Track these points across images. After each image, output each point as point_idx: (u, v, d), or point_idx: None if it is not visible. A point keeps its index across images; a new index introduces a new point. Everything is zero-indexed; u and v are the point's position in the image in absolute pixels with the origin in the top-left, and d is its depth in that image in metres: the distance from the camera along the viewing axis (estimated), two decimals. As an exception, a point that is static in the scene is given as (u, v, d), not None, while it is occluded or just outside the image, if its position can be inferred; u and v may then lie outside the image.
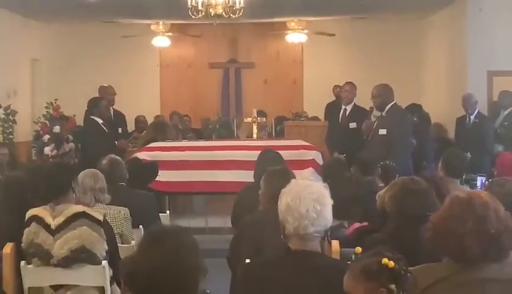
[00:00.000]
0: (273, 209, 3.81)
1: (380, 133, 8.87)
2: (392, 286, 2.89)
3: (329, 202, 3.57)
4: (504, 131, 10.81)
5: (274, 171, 5.27)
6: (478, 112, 10.84)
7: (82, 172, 5.94)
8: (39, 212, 4.95)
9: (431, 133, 11.37)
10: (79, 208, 5.00)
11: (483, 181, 7.50)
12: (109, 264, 4.97)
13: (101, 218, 4.98)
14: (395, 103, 8.99)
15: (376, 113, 12.48)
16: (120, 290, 5.38)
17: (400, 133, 8.88)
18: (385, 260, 2.90)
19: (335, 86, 13.39)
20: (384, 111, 8.97)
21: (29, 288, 4.97)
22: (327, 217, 3.55)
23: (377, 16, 14.09)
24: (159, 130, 11.16)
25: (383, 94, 9.02)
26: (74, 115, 12.79)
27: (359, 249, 3.05)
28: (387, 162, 7.37)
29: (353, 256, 3.02)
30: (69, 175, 5.25)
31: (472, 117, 10.81)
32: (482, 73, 11.52)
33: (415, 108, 11.13)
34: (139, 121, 13.60)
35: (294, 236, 3.52)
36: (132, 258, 2.77)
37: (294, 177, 4.84)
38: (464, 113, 10.94)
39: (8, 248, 4.98)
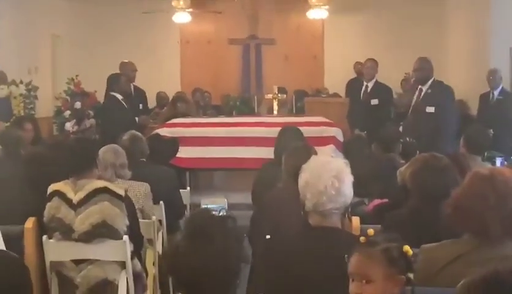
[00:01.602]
0: (293, 185, 3.80)
1: (427, 110, 8.55)
2: (411, 275, 2.85)
3: (348, 179, 3.55)
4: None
5: (296, 148, 5.26)
6: (502, 88, 10.74)
7: (103, 148, 5.96)
8: (61, 187, 4.97)
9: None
10: (101, 183, 5.02)
11: (502, 162, 7.45)
12: (130, 239, 4.99)
13: (122, 193, 5.00)
14: (435, 78, 8.75)
15: (398, 89, 12.46)
16: (141, 265, 5.43)
17: (450, 111, 8.59)
18: (407, 248, 2.85)
19: (356, 62, 13.32)
20: (427, 87, 8.67)
21: (50, 262, 5.01)
22: (347, 194, 3.53)
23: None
24: (180, 106, 11.18)
25: (426, 67, 8.75)
26: (95, 91, 12.82)
27: (371, 231, 2.99)
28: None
29: (362, 238, 2.95)
30: (92, 150, 5.27)
31: (496, 94, 10.71)
32: (505, 50, 11.41)
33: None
34: (161, 97, 13.62)
35: (313, 212, 3.52)
36: (177, 248, 2.73)
37: (316, 154, 4.84)
38: (487, 90, 10.85)
39: (30, 222, 5.01)
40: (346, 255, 2.91)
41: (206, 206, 3.09)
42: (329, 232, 3.48)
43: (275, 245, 3.68)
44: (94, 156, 5.26)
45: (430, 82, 8.66)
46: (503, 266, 2.17)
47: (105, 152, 5.90)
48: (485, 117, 10.43)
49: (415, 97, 8.88)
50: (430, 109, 8.51)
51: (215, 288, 2.68)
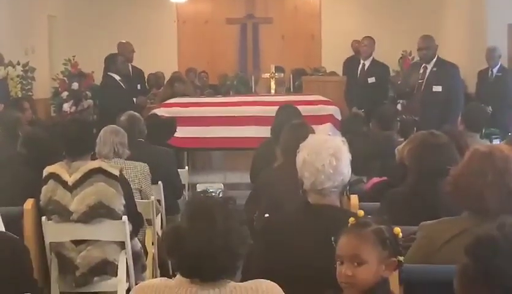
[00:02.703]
0: (290, 163, 3.80)
1: (434, 90, 8.44)
2: (401, 258, 2.83)
3: (346, 157, 3.55)
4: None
5: (293, 126, 5.26)
6: (501, 65, 10.72)
7: (106, 127, 5.99)
8: (56, 169, 4.97)
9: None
10: (96, 164, 5.02)
11: (500, 141, 7.44)
12: (128, 218, 4.99)
13: (117, 173, 5.00)
14: (438, 55, 8.67)
15: (395, 67, 12.45)
16: (140, 245, 5.44)
17: (457, 90, 8.48)
18: (397, 230, 2.82)
19: (354, 40, 13.27)
20: (431, 65, 8.56)
21: (50, 243, 5.01)
22: (345, 172, 3.53)
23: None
24: (177, 86, 11.16)
25: (432, 45, 8.63)
26: (92, 72, 12.80)
27: (361, 212, 2.95)
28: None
29: (351, 218, 2.90)
30: (87, 133, 5.26)
31: (495, 71, 10.68)
32: (503, 27, 11.37)
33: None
34: (157, 77, 13.57)
35: (311, 191, 3.52)
36: (178, 229, 2.71)
37: (313, 132, 4.84)
38: (486, 66, 10.83)
39: (29, 204, 5.01)
40: (333, 238, 2.88)
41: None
42: (328, 210, 3.48)
43: (275, 223, 3.69)
44: (90, 138, 5.26)
45: (434, 60, 8.57)
46: (498, 231, 2.18)
47: (106, 130, 5.95)
48: (483, 95, 10.40)
49: (420, 75, 8.74)
50: (437, 88, 8.42)
51: (216, 269, 2.67)
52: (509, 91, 10.42)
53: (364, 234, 2.79)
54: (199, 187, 7.08)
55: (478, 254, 2.14)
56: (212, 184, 5.60)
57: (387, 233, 2.80)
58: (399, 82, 10.80)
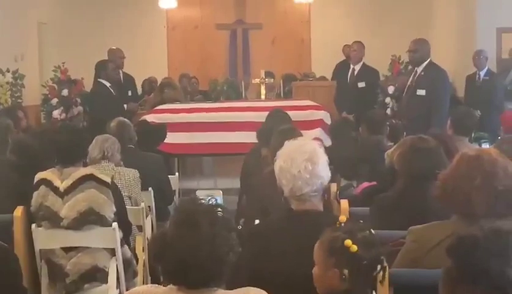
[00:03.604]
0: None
1: (417, 93, 8.38)
2: (346, 271, 2.80)
3: (322, 159, 3.55)
4: (514, 89, 10.75)
5: (282, 131, 5.27)
6: (488, 69, 10.76)
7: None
8: (47, 175, 4.97)
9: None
10: (87, 170, 5.02)
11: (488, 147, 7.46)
12: (118, 226, 4.99)
13: (109, 180, 5.00)
14: (431, 60, 8.56)
15: (385, 72, 12.47)
16: (131, 252, 5.44)
17: (441, 94, 8.36)
18: (348, 242, 2.79)
19: (345, 45, 13.28)
20: (421, 69, 8.48)
21: (40, 250, 5.01)
22: (323, 175, 3.53)
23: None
24: (167, 92, 11.15)
25: (421, 49, 8.53)
26: (82, 78, 12.77)
27: (343, 218, 2.97)
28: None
29: (337, 223, 2.93)
30: (79, 140, 5.25)
31: (482, 75, 10.72)
32: (492, 30, 11.40)
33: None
34: (150, 81, 13.54)
35: (291, 198, 3.54)
36: (164, 235, 2.71)
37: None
38: (474, 71, 10.87)
39: (18, 211, 5.00)
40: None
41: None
42: (310, 215, 3.49)
43: (260, 230, 3.69)
44: (82, 146, 5.27)
45: (425, 64, 8.49)
46: (479, 231, 2.19)
47: (98, 137, 5.97)
48: (471, 98, 10.44)
49: (410, 79, 8.75)
50: (421, 92, 8.36)
51: (202, 277, 2.66)
52: (497, 95, 10.46)
53: (322, 239, 2.89)
54: (199, 194, 7.07)
55: (458, 253, 2.15)
56: (212, 191, 5.57)
57: (339, 242, 2.81)
58: (396, 85, 10.81)
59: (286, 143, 3.71)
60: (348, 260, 2.79)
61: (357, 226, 2.92)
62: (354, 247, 2.78)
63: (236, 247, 2.71)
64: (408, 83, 8.72)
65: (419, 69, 8.52)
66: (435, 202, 3.46)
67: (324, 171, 3.54)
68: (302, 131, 5.47)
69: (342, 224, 2.94)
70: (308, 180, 3.47)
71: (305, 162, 3.48)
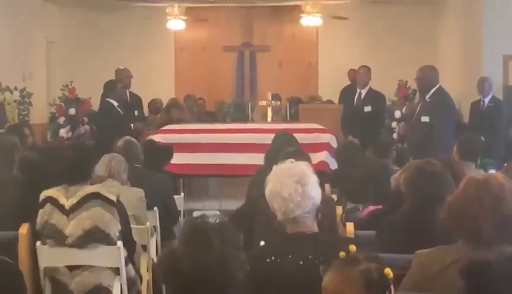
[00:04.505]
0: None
1: (422, 120, 8.36)
2: None
3: (312, 180, 3.55)
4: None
5: (288, 153, 5.26)
6: (493, 96, 10.77)
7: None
8: (53, 193, 4.97)
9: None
10: (93, 189, 5.02)
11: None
12: (123, 245, 4.98)
13: (114, 199, 4.99)
14: (439, 86, 8.47)
15: (391, 96, 12.50)
16: (135, 271, 5.42)
17: (444, 121, 8.32)
18: (388, 270, 2.68)
19: (350, 69, 13.34)
20: (428, 96, 8.42)
21: (44, 268, 5.00)
22: (314, 196, 3.53)
23: (392, -1, 14.02)
24: (174, 112, 11.19)
25: (428, 76, 8.48)
26: (89, 97, 12.82)
27: (353, 247, 2.81)
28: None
29: (341, 253, 2.79)
30: (87, 159, 5.26)
31: (486, 101, 10.74)
32: (498, 57, 11.43)
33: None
34: (155, 102, 13.59)
35: (285, 221, 3.53)
36: (174, 253, 2.69)
37: (309, 159, 4.85)
38: (479, 97, 10.88)
39: (24, 228, 5.00)
40: (321, 267, 2.83)
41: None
42: (306, 237, 3.49)
43: (261, 254, 3.68)
44: (89, 165, 5.26)
45: (433, 90, 8.41)
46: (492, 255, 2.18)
47: (106, 155, 6.00)
48: (476, 125, 10.44)
49: (419, 105, 8.73)
50: (425, 119, 8.35)
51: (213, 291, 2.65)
52: (501, 121, 10.46)
53: (350, 274, 2.69)
54: (196, 215, 7.07)
55: (471, 276, 2.14)
56: (207, 212, 5.59)
57: (375, 273, 2.68)
58: (404, 110, 10.84)
59: (274, 166, 3.70)
60: (384, 288, 2.69)
61: (369, 252, 2.84)
62: (391, 274, 2.69)
63: (244, 264, 2.71)
64: (417, 110, 8.70)
65: (427, 96, 8.49)
66: (442, 226, 3.45)
67: (314, 191, 3.53)
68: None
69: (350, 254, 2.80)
70: (300, 202, 3.47)
71: (295, 184, 3.48)
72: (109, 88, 10.34)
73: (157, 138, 9.47)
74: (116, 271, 5.02)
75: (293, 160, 3.75)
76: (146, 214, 6.05)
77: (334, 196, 6.00)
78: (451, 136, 8.14)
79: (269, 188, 3.57)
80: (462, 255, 3.13)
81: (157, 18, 14.63)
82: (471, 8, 12.43)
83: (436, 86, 8.47)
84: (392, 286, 2.71)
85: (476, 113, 10.85)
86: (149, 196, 6.09)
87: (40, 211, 4.95)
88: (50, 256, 4.97)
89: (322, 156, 9.23)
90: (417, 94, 10.39)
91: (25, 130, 8.56)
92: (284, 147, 5.88)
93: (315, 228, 3.58)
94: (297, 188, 3.47)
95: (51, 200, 4.94)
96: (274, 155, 5.70)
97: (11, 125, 10.25)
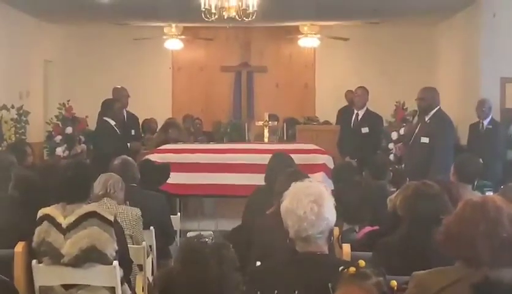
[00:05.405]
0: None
1: (421, 141, 8.41)
2: None
3: (328, 202, 3.55)
4: (517, 138, 10.78)
5: (288, 173, 5.27)
6: (492, 118, 10.79)
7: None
8: (50, 211, 4.96)
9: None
10: (90, 208, 5.01)
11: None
12: (120, 264, 4.97)
13: (112, 218, 4.98)
14: (439, 108, 8.56)
15: (389, 118, 12.52)
16: (131, 291, 5.40)
17: (443, 144, 8.37)
18: (394, 282, 2.82)
19: (347, 90, 13.37)
20: (428, 117, 8.49)
21: (40, 287, 4.98)
22: (328, 217, 3.53)
23: (390, 21, 14.05)
24: (171, 132, 11.19)
25: (429, 97, 8.54)
26: (86, 116, 12.84)
27: (362, 262, 2.95)
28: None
29: (351, 268, 2.89)
30: (85, 178, 5.25)
31: (485, 123, 10.75)
32: (495, 80, 11.46)
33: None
34: (149, 122, 13.59)
35: (297, 239, 3.52)
36: (171, 273, 2.70)
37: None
38: (477, 119, 10.90)
39: (19, 246, 4.99)
40: (330, 284, 2.87)
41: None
42: (315, 258, 3.48)
43: (261, 273, 3.67)
44: (88, 184, 5.25)
45: (432, 112, 8.48)
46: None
47: (103, 175, 5.97)
48: (474, 147, 10.44)
49: (418, 126, 8.77)
50: (425, 140, 8.39)
51: None
52: (500, 144, 10.48)
53: (366, 287, 2.81)
54: (190, 235, 7.05)
55: (483, 292, 2.15)
56: (202, 232, 5.55)
57: (385, 286, 2.81)
58: (402, 131, 10.88)
59: (293, 184, 3.70)
60: None
61: (374, 269, 2.92)
62: (396, 285, 2.83)
63: (240, 285, 2.71)
64: (416, 131, 8.72)
65: (427, 117, 8.54)
66: (439, 247, 3.45)
67: (329, 212, 3.53)
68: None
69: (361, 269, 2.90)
70: (314, 222, 3.46)
71: (311, 204, 3.48)
72: (107, 107, 10.35)
73: (154, 157, 9.48)
74: (112, 290, 5.00)
75: (311, 179, 3.76)
76: (142, 233, 6.03)
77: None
78: (450, 158, 8.14)
79: (284, 205, 3.57)
80: (459, 277, 3.12)
81: (155, 37, 14.68)
82: (469, 30, 12.48)
83: (436, 108, 8.54)
84: None
85: (475, 134, 10.85)
86: (145, 215, 6.07)
87: (37, 229, 4.94)
88: (46, 275, 4.95)
89: (318, 177, 9.22)
90: (416, 115, 10.41)
91: (27, 148, 8.55)
92: (282, 168, 5.88)
93: (325, 250, 3.57)
94: (313, 207, 3.47)
95: (49, 218, 4.93)
96: (274, 176, 5.71)
97: (12, 143, 10.26)
